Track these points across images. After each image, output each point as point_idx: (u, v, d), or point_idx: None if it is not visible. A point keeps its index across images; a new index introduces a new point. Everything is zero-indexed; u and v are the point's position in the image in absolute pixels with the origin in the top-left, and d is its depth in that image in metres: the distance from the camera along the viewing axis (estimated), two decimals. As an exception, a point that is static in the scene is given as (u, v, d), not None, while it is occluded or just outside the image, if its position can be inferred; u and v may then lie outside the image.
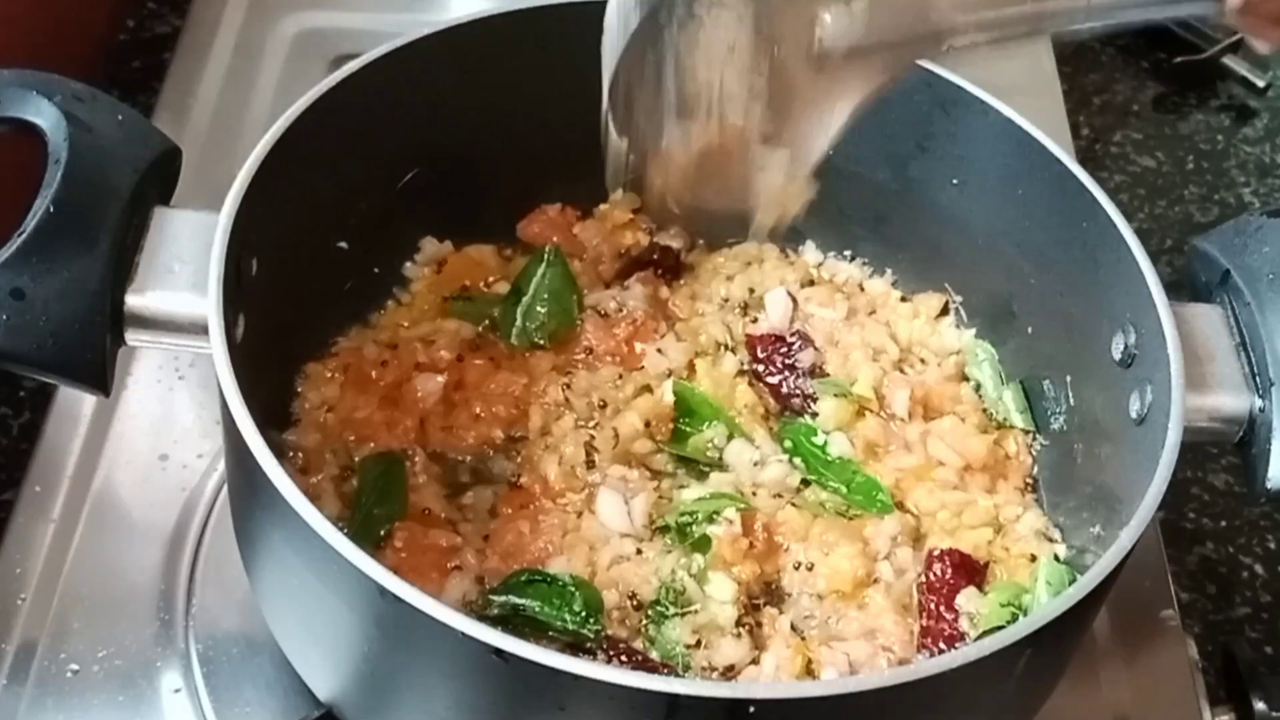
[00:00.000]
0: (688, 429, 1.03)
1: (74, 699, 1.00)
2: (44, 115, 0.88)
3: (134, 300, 0.88)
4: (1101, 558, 0.79)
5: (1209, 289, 0.98)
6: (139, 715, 0.99)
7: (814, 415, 1.06)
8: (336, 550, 0.74)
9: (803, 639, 0.93)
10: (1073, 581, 0.95)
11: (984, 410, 1.09)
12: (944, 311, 1.14)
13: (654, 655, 0.91)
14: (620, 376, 1.06)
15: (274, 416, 0.99)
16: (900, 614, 0.96)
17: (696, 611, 0.93)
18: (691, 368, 1.07)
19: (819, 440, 1.03)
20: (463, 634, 0.71)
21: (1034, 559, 0.99)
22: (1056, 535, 1.02)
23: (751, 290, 1.13)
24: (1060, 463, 1.05)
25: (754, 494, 1.00)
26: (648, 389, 1.04)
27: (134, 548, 1.08)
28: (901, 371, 1.10)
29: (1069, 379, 1.03)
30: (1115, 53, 1.76)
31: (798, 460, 1.03)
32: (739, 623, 0.93)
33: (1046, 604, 0.81)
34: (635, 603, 0.93)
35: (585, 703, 0.73)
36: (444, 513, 0.97)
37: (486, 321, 1.09)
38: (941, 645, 0.94)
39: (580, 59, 1.07)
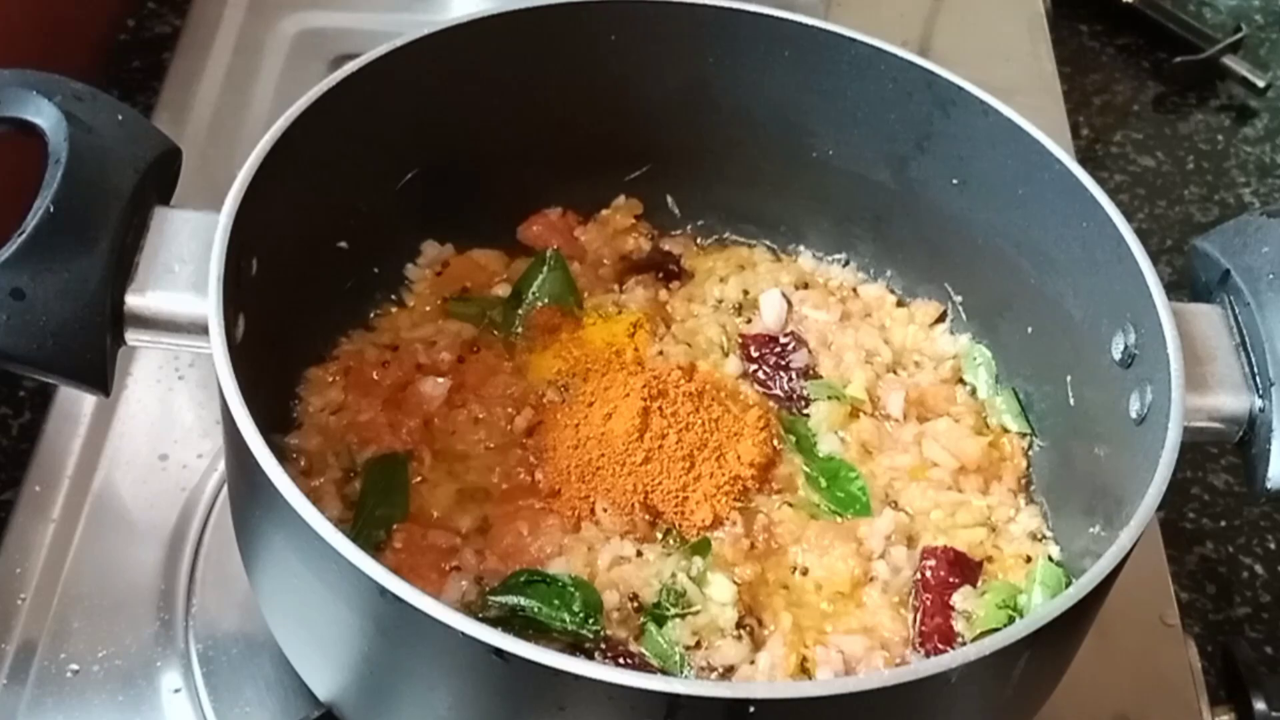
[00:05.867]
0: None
1: (74, 699, 1.00)
2: (44, 115, 0.88)
3: (134, 300, 0.88)
4: (1101, 558, 0.79)
5: (1209, 289, 0.98)
6: (139, 715, 0.99)
7: (806, 417, 1.06)
8: (336, 550, 0.74)
9: (800, 637, 0.94)
10: (1068, 583, 0.95)
11: (979, 412, 1.09)
12: (940, 319, 1.14)
13: (648, 657, 0.91)
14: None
15: (276, 420, 0.99)
16: (896, 612, 0.96)
17: (697, 613, 0.93)
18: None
19: (812, 438, 1.05)
20: (463, 634, 0.71)
21: (1029, 560, 1.00)
22: (1051, 537, 1.02)
23: (746, 292, 1.14)
24: (1059, 463, 1.05)
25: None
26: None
27: (134, 548, 1.08)
28: (895, 374, 1.10)
29: (1069, 379, 1.03)
30: (1115, 53, 1.76)
31: (798, 460, 1.03)
32: (739, 624, 0.93)
33: (1047, 604, 0.81)
34: (636, 604, 0.93)
35: (585, 703, 0.73)
36: (446, 513, 0.97)
37: (487, 323, 1.09)
38: (938, 644, 0.94)
39: (581, 59, 1.08)
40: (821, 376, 1.09)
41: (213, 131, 1.38)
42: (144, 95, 1.44)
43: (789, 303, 1.13)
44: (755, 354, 1.09)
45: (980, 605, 0.96)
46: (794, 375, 1.08)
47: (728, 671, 0.92)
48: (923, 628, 0.95)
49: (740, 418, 1.02)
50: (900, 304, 1.15)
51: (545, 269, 1.11)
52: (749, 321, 1.12)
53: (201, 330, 0.84)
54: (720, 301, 1.14)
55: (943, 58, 1.07)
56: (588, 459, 0.98)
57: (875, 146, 1.10)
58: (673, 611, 0.93)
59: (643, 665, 0.91)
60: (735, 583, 0.94)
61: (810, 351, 1.10)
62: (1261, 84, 1.70)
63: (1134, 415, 0.92)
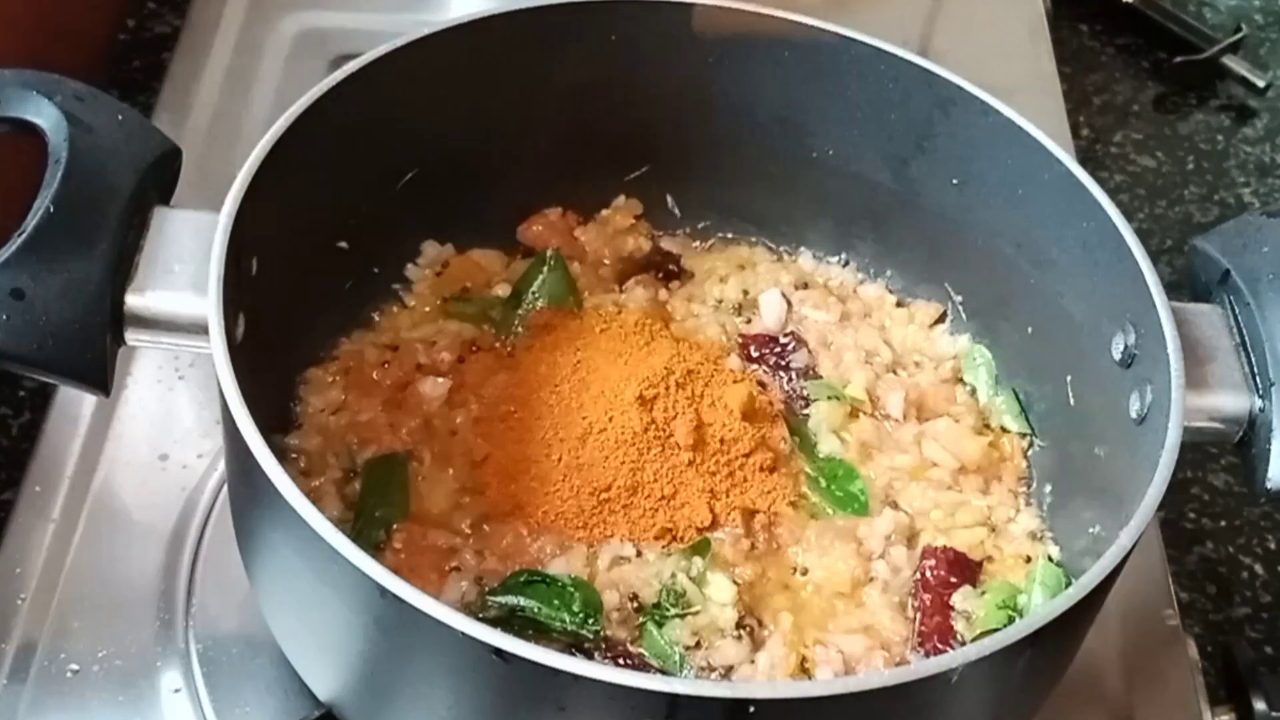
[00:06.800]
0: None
1: (74, 699, 1.00)
2: (44, 115, 0.88)
3: (134, 300, 0.88)
4: (1101, 558, 0.79)
5: (1209, 289, 0.98)
6: (139, 715, 0.99)
7: (806, 417, 1.06)
8: (336, 550, 0.74)
9: (800, 637, 0.94)
10: (1068, 584, 0.95)
11: (979, 412, 1.09)
12: (940, 319, 1.14)
13: (648, 658, 0.91)
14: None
15: (276, 420, 0.99)
16: (897, 612, 0.96)
17: (697, 613, 0.93)
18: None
19: (812, 439, 1.05)
20: (463, 634, 0.71)
21: (1029, 560, 1.00)
22: (1051, 537, 1.02)
23: (746, 292, 1.14)
24: (1059, 463, 1.05)
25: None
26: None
27: (134, 548, 1.08)
28: (895, 374, 1.10)
29: (1069, 379, 1.03)
30: (1115, 53, 1.76)
31: (798, 460, 1.03)
32: (739, 624, 0.93)
33: (1047, 604, 0.81)
34: (636, 604, 0.93)
35: (585, 703, 0.73)
36: (445, 513, 0.97)
37: (487, 323, 1.09)
38: (937, 644, 0.94)
39: (581, 59, 1.08)
40: (821, 376, 1.09)
41: (213, 131, 1.38)
42: (144, 95, 1.44)
43: (789, 303, 1.13)
44: (755, 354, 1.09)
45: (980, 605, 0.96)
46: (794, 375, 1.08)
47: (728, 671, 0.92)
48: (923, 628, 0.95)
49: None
50: (900, 304, 1.15)
51: (545, 269, 1.11)
52: (749, 321, 1.12)
53: (201, 330, 0.84)
54: (720, 301, 1.14)
55: (943, 58, 1.07)
56: (587, 459, 0.98)
57: (875, 146, 1.10)
58: (672, 612, 0.93)
59: (642, 665, 0.91)
60: (735, 583, 0.95)
61: (810, 351, 1.10)
62: (1261, 84, 1.70)
63: (1134, 415, 0.92)
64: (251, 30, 1.49)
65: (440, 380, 1.03)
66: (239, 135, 1.36)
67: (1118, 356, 0.95)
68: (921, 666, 0.78)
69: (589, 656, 0.91)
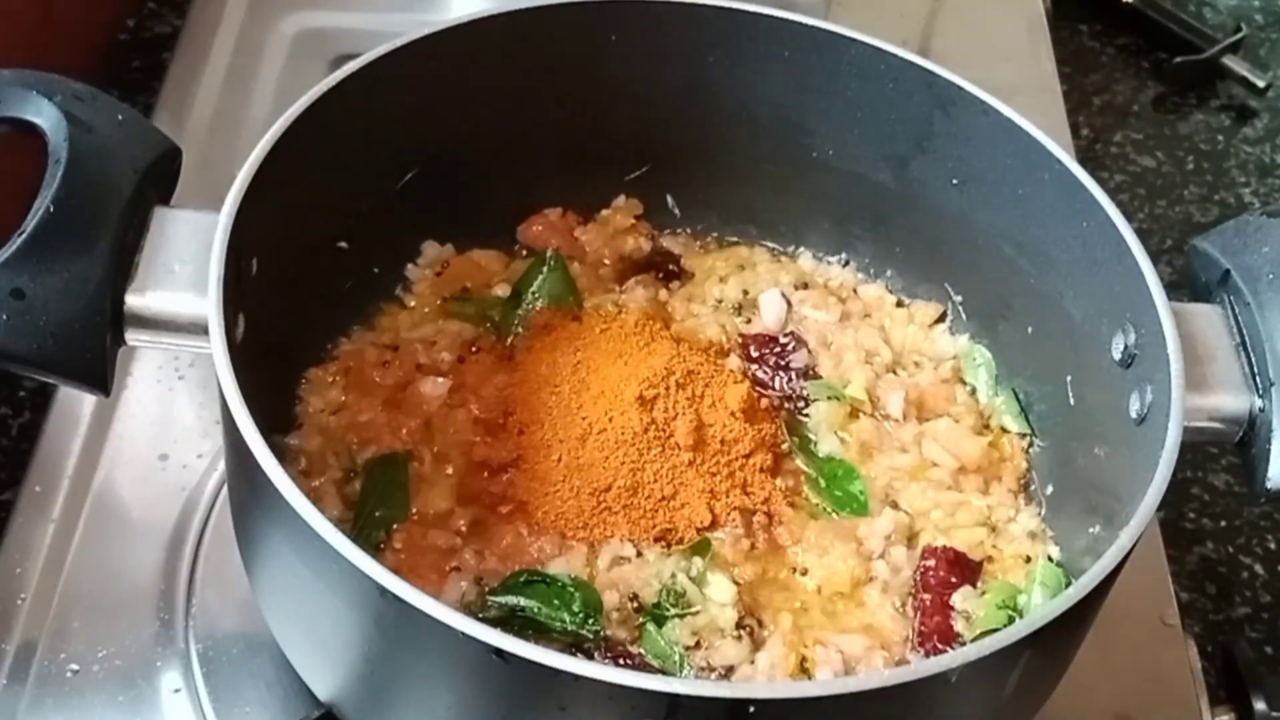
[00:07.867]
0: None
1: (74, 699, 1.00)
2: (44, 115, 0.88)
3: (134, 300, 0.88)
4: (1101, 558, 0.79)
5: (1209, 289, 0.98)
6: (139, 715, 0.99)
7: (806, 417, 1.06)
8: (336, 550, 0.74)
9: (800, 637, 0.94)
10: (1067, 584, 0.95)
11: (979, 412, 1.09)
12: (940, 319, 1.14)
13: (648, 658, 0.91)
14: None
15: (276, 420, 0.99)
16: (897, 612, 0.96)
17: (697, 613, 0.93)
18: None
19: (812, 439, 1.05)
20: (463, 634, 0.71)
21: (1029, 560, 1.00)
22: (1051, 537, 1.02)
23: (746, 292, 1.14)
24: (1059, 463, 1.05)
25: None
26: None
27: (134, 548, 1.08)
28: (895, 374, 1.10)
29: (1069, 379, 1.03)
30: (1115, 53, 1.76)
31: (798, 460, 1.03)
32: (739, 624, 0.93)
33: (1047, 604, 0.81)
34: (636, 604, 0.93)
35: (585, 703, 0.73)
36: (445, 513, 0.97)
37: (486, 323, 1.09)
38: (937, 644, 0.94)
39: (581, 59, 1.08)
40: (821, 377, 1.09)
41: (213, 131, 1.38)
42: (144, 95, 1.45)
43: (789, 303, 1.13)
44: (755, 354, 1.09)
45: (980, 605, 0.96)
46: (794, 375, 1.08)
47: (728, 671, 0.92)
48: (923, 628, 0.95)
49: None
50: (900, 304, 1.15)
51: (545, 269, 1.11)
52: (749, 321, 1.12)
53: (201, 330, 0.84)
54: (720, 301, 1.14)
55: (943, 58, 1.07)
56: (587, 459, 0.98)
57: (875, 146, 1.10)
58: (672, 612, 0.93)
59: (642, 665, 0.91)
60: (735, 583, 0.95)
61: (810, 351, 1.10)
62: (1261, 84, 1.70)
63: (1134, 415, 0.92)
64: (251, 30, 1.49)
65: (440, 380, 1.03)
66: (239, 135, 1.37)
67: (1118, 356, 0.95)
68: (921, 666, 0.78)
69: (589, 656, 0.91)
